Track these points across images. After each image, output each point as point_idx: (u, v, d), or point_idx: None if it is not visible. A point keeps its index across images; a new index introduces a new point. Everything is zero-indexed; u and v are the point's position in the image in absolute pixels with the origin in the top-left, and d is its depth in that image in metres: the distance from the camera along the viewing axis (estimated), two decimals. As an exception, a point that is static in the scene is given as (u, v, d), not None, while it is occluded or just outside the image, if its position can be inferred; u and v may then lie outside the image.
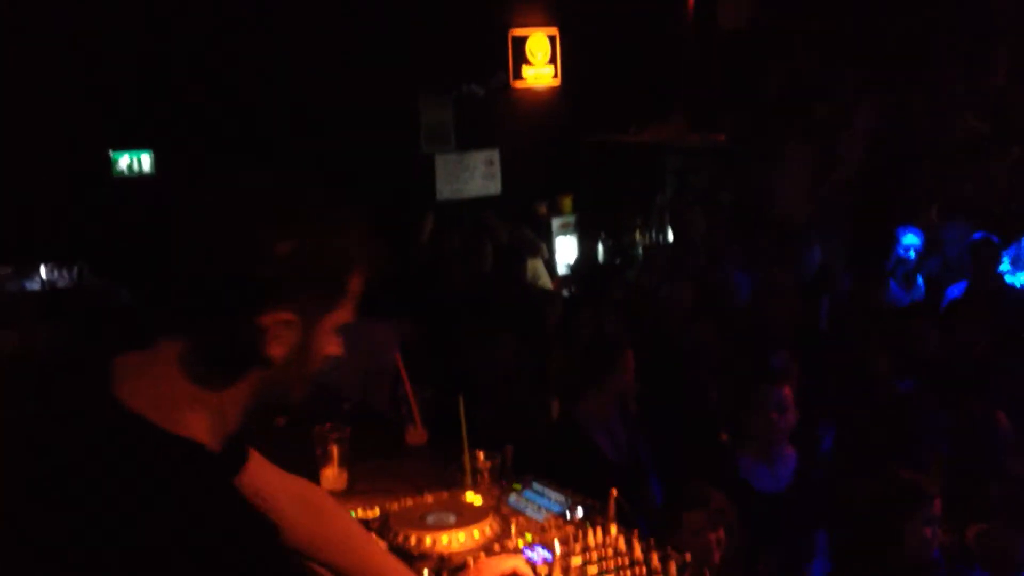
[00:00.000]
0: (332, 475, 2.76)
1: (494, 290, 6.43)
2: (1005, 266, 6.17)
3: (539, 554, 2.16)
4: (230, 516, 1.28)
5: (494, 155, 9.50)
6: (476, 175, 9.37)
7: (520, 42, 9.34)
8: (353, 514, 2.41)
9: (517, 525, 2.32)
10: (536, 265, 7.98)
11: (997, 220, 6.60)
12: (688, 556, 2.11)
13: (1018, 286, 6.12)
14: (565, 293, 7.82)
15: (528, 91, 9.48)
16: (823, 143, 7.85)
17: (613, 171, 9.61)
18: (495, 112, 9.37)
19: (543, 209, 9.49)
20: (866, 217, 7.30)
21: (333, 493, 2.71)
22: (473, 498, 2.48)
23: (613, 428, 4.27)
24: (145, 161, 8.15)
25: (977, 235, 6.20)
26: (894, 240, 6.47)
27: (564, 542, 2.17)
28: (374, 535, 2.26)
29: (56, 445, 1.31)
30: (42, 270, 6.38)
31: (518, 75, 9.35)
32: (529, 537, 2.26)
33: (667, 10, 9.40)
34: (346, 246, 1.39)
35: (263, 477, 1.85)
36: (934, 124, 7.64)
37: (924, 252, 6.53)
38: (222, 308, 1.31)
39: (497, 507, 2.42)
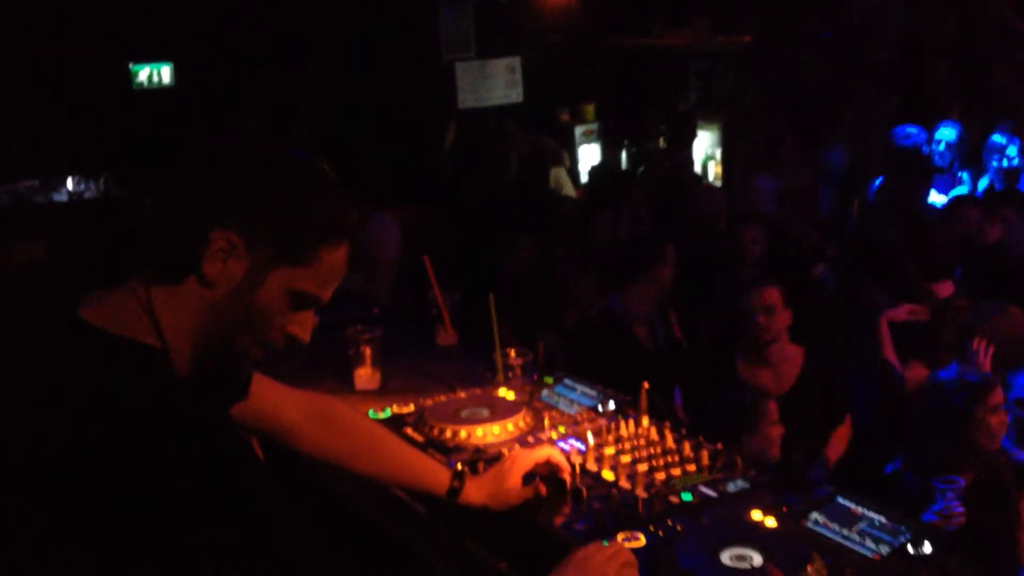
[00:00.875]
0: (365, 375, 2.80)
1: (517, 197, 6.41)
2: None
3: (572, 446, 2.19)
4: (175, 415, 1.28)
5: (516, 62, 9.37)
6: (498, 83, 9.27)
7: (541, -55, 9.16)
8: (389, 411, 2.44)
9: (550, 419, 2.35)
10: (559, 173, 7.94)
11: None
12: (720, 445, 2.14)
13: None
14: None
15: (550, -5, 9.32)
16: (851, 42, 7.70)
17: (636, 77, 9.48)
18: (517, 18, 9.22)
19: (566, 116, 9.40)
20: (897, 115, 7.19)
21: (366, 392, 2.76)
22: (506, 394, 2.51)
23: (653, 321, 4.33)
24: (165, 73, 8.12)
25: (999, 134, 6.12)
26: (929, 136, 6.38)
27: (596, 434, 2.20)
28: (409, 430, 2.30)
29: (14, 358, 1.35)
30: (69, 182, 6.41)
31: (539, -21, 9.18)
32: (562, 429, 2.29)
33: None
34: (314, 207, 1.39)
35: (270, 399, 1.87)
36: (967, 19, 7.48)
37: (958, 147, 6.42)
38: (178, 209, 1.37)
39: (529, 402, 2.45)
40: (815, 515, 1.85)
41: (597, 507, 1.92)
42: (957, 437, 3.21)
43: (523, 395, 2.51)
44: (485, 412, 2.34)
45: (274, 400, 1.88)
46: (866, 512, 1.83)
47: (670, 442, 2.17)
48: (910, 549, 1.71)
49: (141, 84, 8.08)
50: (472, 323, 3.04)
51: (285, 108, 7.39)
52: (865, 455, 3.73)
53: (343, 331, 2.87)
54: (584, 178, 9.05)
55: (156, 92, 8.07)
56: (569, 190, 7.96)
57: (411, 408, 2.44)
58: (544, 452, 2.00)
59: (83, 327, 1.34)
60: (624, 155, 9.21)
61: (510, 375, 2.63)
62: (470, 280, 4.42)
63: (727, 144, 8.83)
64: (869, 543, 1.75)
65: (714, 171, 8.87)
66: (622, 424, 2.24)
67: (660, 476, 2.04)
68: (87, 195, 6.39)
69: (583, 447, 2.16)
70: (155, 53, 8.02)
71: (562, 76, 9.39)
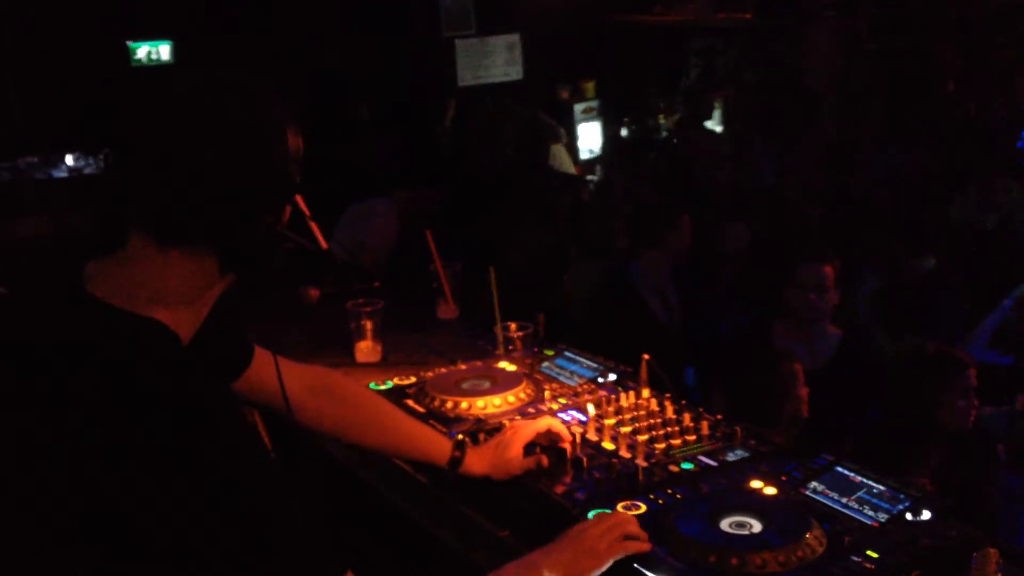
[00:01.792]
0: (367, 348, 2.81)
1: (516, 173, 6.41)
2: None
3: (573, 417, 2.20)
4: (183, 389, 1.27)
5: (515, 39, 9.34)
6: (498, 60, 9.24)
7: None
8: (390, 383, 2.45)
9: (550, 390, 2.36)
10: (558, 150, 7.93)
11: None
12: (719, 416, 2.15)
13: None
14: (589, 178, 7.79)
15: (550, -28, 9.28)
16: (851, 18, 7.68)
17: (637, 54, 9.45)
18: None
19: (565, 94, 9.38)
20: (896, 92, 7.17)
21: (368, 365, 2.77)
22: (507, 366, 2.52)
23: (666, 290, 4.35)
24: (164, 51, 8.09)
25: None
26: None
27: (597, 405, 2.21)
28: (410, 401, 2.31)
29: (22, 333, 1.33)
30: (68, 158, 6.40)
31: (539, -45, 9.14)
32: (563, 401, 2.30)
33: None
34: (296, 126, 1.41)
35: (272, 373, 1.85)
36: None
37: None
38: (252, 209, 1.34)
39: (530, 374, 2.46)
40: (814, 483, 1.86)
41: (598, 476, 1.93)
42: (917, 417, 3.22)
43: (524, 367, 2.52)
44: (486, 384, 2.35)
45: (274, 372, 1.88)
46: (865, 480, 1.84)
47: (670, 412, 2.18)
48: (909, 516, 1.72)
49: (140, 61, 8.05)
50: (472, 296, 3.05)
51: (284, 86, 7.37)
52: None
53: (344, 304, 2.88)
54: (584, 155, 9.04)
55: (155, 70, 8.04)
56: (568, 167, 7.95)
57: (412, 380, 2.45)
58: (545, 422, 2.01)
59: (92, 302, 1.32)
60: (624, 132, 9.18)
61: (511, 347, 2.64)
62: (471, 254, 4.42)
63: (728, 121, 8.82)
64: (868, 510, 1.76)
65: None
66: (622, 395, 2.25)
67: (660, 446, 2.05)
68: (87, 171, 6.38)
69: (584, 418, 2.17)
70: (154, 31, 7.99)
71: (562, 53, 9.36)
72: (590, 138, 9.25)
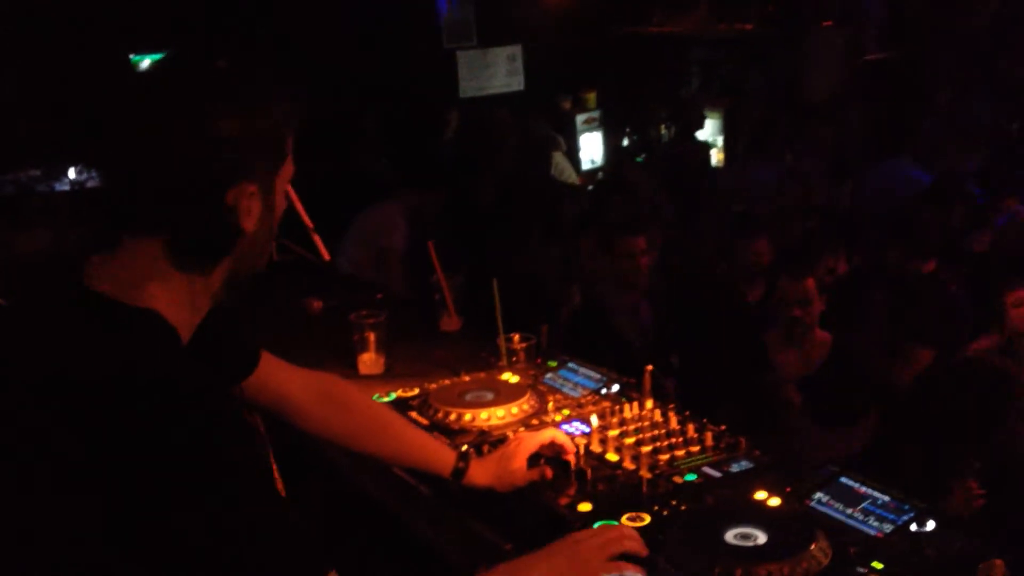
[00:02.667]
0: (370, 360, 2.81)
1: (519, 184, 6.43)
2: None
3: (576, 428, 2.20)
4: (179, 381, 1.27)
5: (517, 51, 9.36)
6: (499, 71, 9.26)
7: (541, -68, 9.14)
8: (393, 395, 2.45)
9: (554, 401, 2.36)
10: (558, 159, 7.94)
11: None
12: (724, 426, 2.15)
13: None
14: (590, 188, 7.80)
15: (551, -17, 9.31)
16: (850, 29, 7.71)
17: (638, 64, 9.47)
18: (518, 7, 9.21)
19: (567, 104, 9.39)
20: (886, 101, 7.19)
21: (371, 377, 2.77)
22: (510, 377, 2.52)
23: (639, 307, 4.33)
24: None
25: None
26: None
27: (601, 416, 2.21)
28: (413, 413, 2.31)
29: (22, 326, 1.34)
30: (71, 171, 6.40)
31: (540, -34, 9.17)
32: (566, 412, 2.30)
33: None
34: (282, 111, 1.40)
35: (278, 377, 1.88)
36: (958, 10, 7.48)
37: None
38: (191, 197, 1.32)
39: (534, 385, 2.46)
40: (819, 495, 1.86)
41: (601, 488, 1.93)
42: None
43: (527, 378, 2.52)
44: (489, 395, 2.35)
45: (280, 377, 1.89)
46: (870, 491, 1.84)
47: (674, 423, 2.18)
48: (913, 527, 1.71)
49: (143, 75, 8.06)
50: (476, 308, 3.05)
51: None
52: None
53: (347, 316, 2.88)
54: (585, 165, 9.05)
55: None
56: (570, 176, 7.97)
57: (415, 392, 2.44)
58: (548, 434, 2.01)
59: (92, 297, 1.33)
60: (626, 142, 9.20)
61: (514, 359, 2.64)
62: (475, 266, 4.43)
63: (729, 131, 8.83)
64: (873, 521, 1.75)
65: (716, 158, 8.87)
66: (626, 406, 2.25)
67: (664, 457, 2.05)
68: (89, 184, 6.38)
69: (587, 429, 2.17)
70: (156, 44, 8.01)
71: (563, 64, 9.38)
72: (592, 148, 9.27)
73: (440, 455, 1.98)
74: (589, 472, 1.98)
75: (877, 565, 1.62)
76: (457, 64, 9.04)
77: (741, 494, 1.88)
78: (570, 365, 2.57)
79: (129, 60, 7.99)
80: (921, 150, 6.13)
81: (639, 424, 2.19)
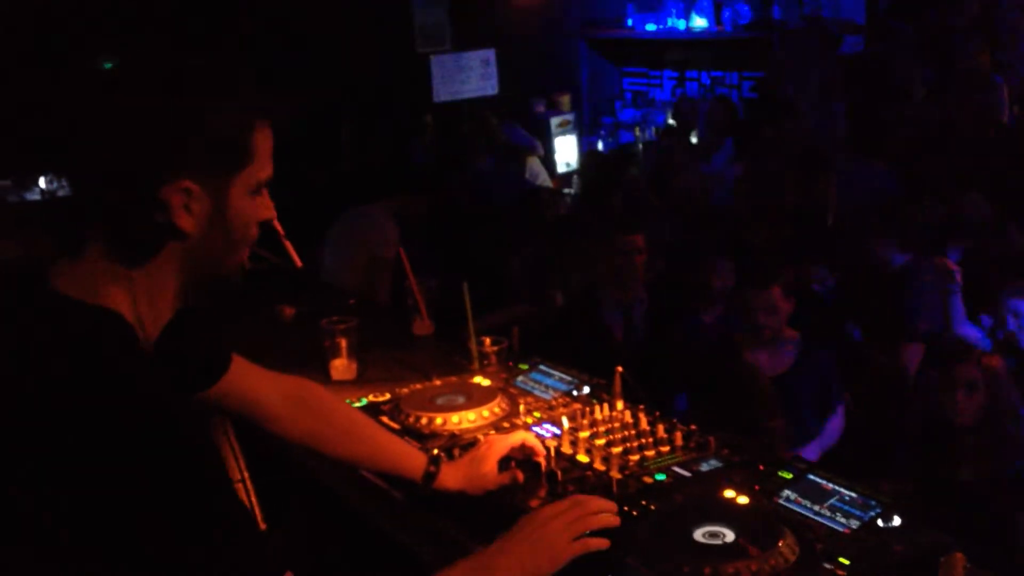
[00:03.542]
0: (342, 365, 2.81)
1: (494, 187, 6.43)
2: None
3: (547, 430, 2.21)
4: (132, 379, 1.27)
5: (490, 55, 9.37)
6: (473, 75, 9.26)
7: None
8: (364, 400, 2.45)
9: (525, 404, 2.37)
10: (532, 163, 7.95)
11: None
12: (693, 426, 2.16)
13: None
14: (566, 191, 7.82)
15: (523, -13, 9.33)
16: (824, 27, 7.76)
17: (611, 67, 9.50)
18: (491, 10, 9.22)
19: (541, 107, 9.42)
20: (862, 97, 7.23)
21: (343, 383, 2.77)
22: (481, 380, 2.52)
23: (633, 308, 4.35)
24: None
25: None
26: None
27: (572, 418, 2.21)
28: (385, 418, 2.31)
29: None
30: (41, 181, 6.36)
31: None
32: (537, 415, 2.31)
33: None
34: (237, 106, 1.37)
35: (249, 381, 1.87)
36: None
37: None
38: (120, 185, 1.32)
39: (505, 388, 2.47)
40: (787, 492, 1.87)
41: (572, 489, 1.94)
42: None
43: (498, 381, 2.52)
44: (461, 399, 2.35)
45: (251, 381, 1.88)
46: (837, 488, 1.85)
47: (644, 424, 2.19)
48: (880, 523, 1.73)
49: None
50: (448, 312, 3.05)
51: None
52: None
53: (319, 323, 2.88)
54: (560, 168, 9.07)
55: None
56: (545, 179, 7.98)
57: (387, 397, 2.45)
58: (519, 436, 2.02)
59: (55, 296, 1.33)
60: (600, 145, 9.22)
61: (485, 362, 2.65)
62: (447, 269, 4.43)
63: (703, 131, 8.86)
64: (840, 518, 1.77)
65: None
66: (596, 408, 2.25)
67: (634, 458, 2.06)
68: (60, 193, 6.33)
69: (558, 431, 2.18)
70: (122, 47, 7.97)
71: (536, 67, 9.41)
72: (567, 151, 9.29)
73: (411, 459, 1.99)
74: (560, 474, 1.98)
75: (844, 561, 1.63)
76: (431, 68, 9.04)
77: (710, 493, 1.89)
78: (541, 367, 2.57)
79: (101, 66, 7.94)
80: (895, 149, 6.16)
81: (610, 425, 2.19)
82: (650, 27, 9.11)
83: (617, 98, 9.67)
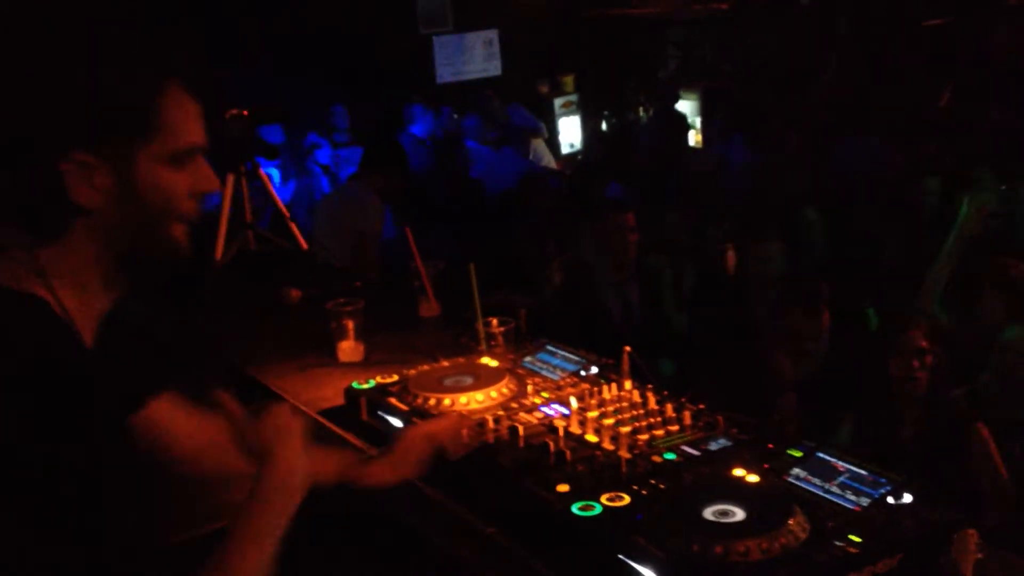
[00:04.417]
0: (348, 348, 2.81)
1: (496, 168, 6.42)
2: None
3: (556, 410, 2.21)
4: (55, 362, 1.23)
5: (493, 35, 9.35)
6: (475, 56, 9.24)
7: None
8: (372, 382, 2.45)
9: (533, 385, 2.36)
10: (538, 145, 7.93)
11: None
12: (702, 405, 2.16)
13: None
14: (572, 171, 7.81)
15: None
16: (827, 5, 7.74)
17: (615, 47, 9.46)
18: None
19: (544, 88, 9.39)
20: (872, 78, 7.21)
21: (350, 365, 2.77)
22: (489, 361, 2.52)
23: (626, 288, 4.34)
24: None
25: None
26: None
27: (579, 398, 2.21)
28: (393, 400, 2.30)
29: None
30: None
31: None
32: (545, 395, 2.30)
33: None
34: (130, 72, 1.30)
35: (168, 424, 1.71)
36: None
37: None
38: (12, 162, 1.27)
39: (513, 369, 2.46)
40: (796, 470, 1.87)
41: (581, 469, 1.93)
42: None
43: (506, 362, 2.52)
44: (468, 380, 2.35)
45: (173, 419, 1.72)
46: (847, 466, 1.85)
47: (653, 404, 2.18)
48: (890, 500, 1.73)
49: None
50: (455, 293, 3.05)
51: (262, 84, 7.36)
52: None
53: (325, 305, 2.88)
54: (564, 149, 9.05)
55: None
56: (549, 161, 7.96)
57: (395, 378, 2.44)
58: (441, 424, 1.99)
59: None
60: (604, 126, 9.20)
61: (493, 343, 2.64)
62: (453, 250, 4.43)
63: (707, 112, 8.84)
64: (850, 495, 1.77)
65: (694, 139, 8.88)
66: (605, 388, 2.25)
67: (643, 437, 2.05)
68: None
69: (567, 411, 2.17)
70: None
71: (540, 48, 9.37)
72: (570, 132, 9.27)
73: (335, 464, 1.91)
74: (569, 454, 1.98)
75: (855, 538, 1.63)
76: (433, 49, 9.01)
77: (719, 472, 1.89)
78: (549, 348, 2.57)
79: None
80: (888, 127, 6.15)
81: (618, 405, 2.19)
82: None
83: (621, 77, 9.63)
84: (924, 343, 3.31)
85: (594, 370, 2.42)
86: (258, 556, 1.37)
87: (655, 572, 1.60)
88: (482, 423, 2.10)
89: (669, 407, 2.14)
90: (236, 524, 1.40)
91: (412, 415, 2.21)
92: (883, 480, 1.78)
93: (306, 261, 4.05)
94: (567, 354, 2.51)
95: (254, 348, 2.97)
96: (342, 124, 7.63)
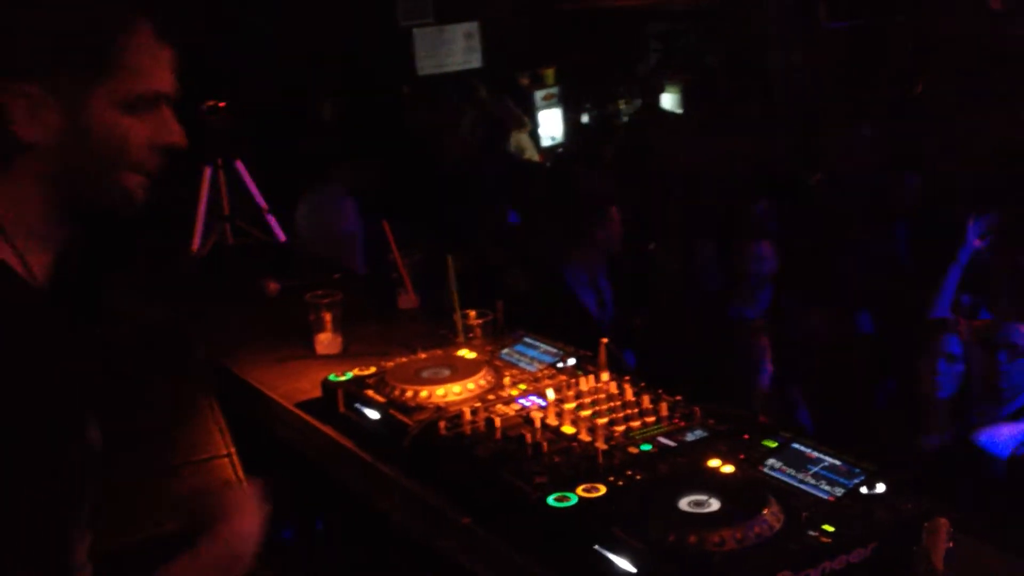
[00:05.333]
0: (327, 339, 2.80)
1: (479, 160, 6.42)
2: None
3: (533, 402, 2.21)
4: (23, 336, 1.15)
5: (474, 27, 9.33)
6: (456, 48, 9.22)
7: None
8: (350, 374, 2.44)
9: (511, 376, 2.36)
10: (520, 137, 7.93)
11: None
12: (679, 396, 2.16)
13: None
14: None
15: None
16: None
17: (596, 39, 9.46)
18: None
19: (525, 81, 9.38)
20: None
21: (328, 357, 2.77)
22: (466, 353, 2.52)
23: (600, 285, 4.35)
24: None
25: None
26: None
27: (557, 390, 2.21)
28: (371, 392, 2.30)
29: None
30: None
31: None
32: (523, 387, 2.30)
33: None
34: (102, 8, 1.25)
35: None
36: None
37: None
38: None
39: (490, 361, 2.46)
40: (771, 460, 1.87)
41: (558, 461, 1.94)
42: None
43: (484, 354, 2.52)
44: (446, 372, 2.35)
45: None
46: (821, 456, 1.86)
47: (629, 395, 2.19)
48: (863, 490, 1.74)
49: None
50: (433, 285, 3.04)
51: (241, 78, 7.33)
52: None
53: (303, 297, 2.87)
54: (545, 142, 9.05)
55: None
56: (532, 154, 7.97)
57: (372, 370, 2.44)
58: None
59: None
60: (585, 118, 9.21)
61: (471, 335, 2.64)
62: (432, 241, 4.43)
63: (688, 106, 8.85)
64: (824, 485, 1.77)
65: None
66: (582, 379, 2.25)
67: (620, 428, 2.06)
68: None
69: (544, 403, 2.18)
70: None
71: (521, 40, 9.36)
72: (551, 125, 9.26)
73: None
74: (546, 445, 1.98)
75: (828, 528, 1.64)
76: (414, 42, 8.99)
77: (695, 462, 1.90)
78: (526, 340, 2.57)
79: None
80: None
81: (595, 396, 2.19)
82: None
83: (602, 70, 9.63)
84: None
85: (572, 362, 2.42)
86: None
87: (631, 562, 1.60)
88: (459, 414, 2.10)
89: (646, 398, 2.15)
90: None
91: (389, 407, 2.21)
92: (857, 470, 1.79)
93: (285, 253, 4.04)
94: (545, 346, 2.52)
95: (232, 341, 2.96)
96: (322, 117, 7.61)
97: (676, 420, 2.09)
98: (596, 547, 1.64)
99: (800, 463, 1.85)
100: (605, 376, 2.29)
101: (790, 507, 1.70)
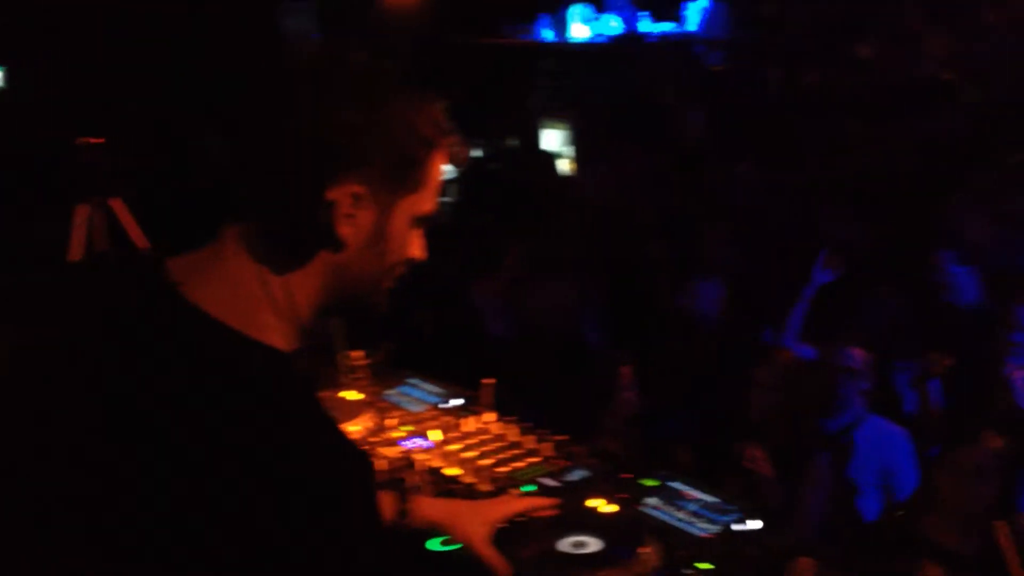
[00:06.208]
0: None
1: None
2: None
3: (417, 444, 2.20)
4: (318, 430, 1.21)
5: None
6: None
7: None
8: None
9: (397, 418, 2.35)
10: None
11: None
12: (563, 437, 2.19)
13: None
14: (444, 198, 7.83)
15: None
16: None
17: (484, 75, 9.55)
18: (363, 16, 9.17)
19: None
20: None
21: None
22: (349, 395, 2.50)
23: (507, 307, 4.43)
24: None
25: None
26: None
27: (444, 431, 2.21)
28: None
29: (125, 361, 1.18)
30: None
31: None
32: (407, 429, 2.30)
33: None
34: (419, 122, 1.27)
35: None
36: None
37: None
38: (287, 181, 1.21)
39: (374, 403, 2.45)
40: (651, 499, 1.91)
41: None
42: None
43: (369, 395, 2.50)
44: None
45: None
46: (698, 494, 1.90)
47: (514, 436, 2.20)
48: (735, 527, 1.78)
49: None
50: (321, 325, 3.01)
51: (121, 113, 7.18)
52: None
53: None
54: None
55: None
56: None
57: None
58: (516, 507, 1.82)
59: (202, 320, 1.20)
60: (480, 152, 9.25)
61: (354, 376, 2.62)
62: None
63: (577, 141, 8.98)
64: (701, 523, 1.82)
65: (570, 167, 9.00)
66: (466, 420, 2.26)
67: (504, 469, 2.07)
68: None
69: (429, 445, 2.17)
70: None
71: (412, 76, 9.38)
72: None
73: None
74: (428, 489, 1.98)
75: (703, 566, 1.67)
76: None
77: (575, 503, 1.92)
78: (411, 381, 2.56)
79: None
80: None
81: (481, 437, 2.20)
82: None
83: (490, 106, 9.71)
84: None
85: (459, 402, 2.42)
86: None
87: (510, 606, 1.61)
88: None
89: (531, 439, 2.17)
90: None
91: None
92: (731, 507, 1.84)
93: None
94: (429, 386, 2.52)
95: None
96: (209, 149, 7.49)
97: (558, 460, 2.11)
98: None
99: (678, 501, 1.89)
100: (488, 417, 2.30)
101: (668, 545, 1.73)
